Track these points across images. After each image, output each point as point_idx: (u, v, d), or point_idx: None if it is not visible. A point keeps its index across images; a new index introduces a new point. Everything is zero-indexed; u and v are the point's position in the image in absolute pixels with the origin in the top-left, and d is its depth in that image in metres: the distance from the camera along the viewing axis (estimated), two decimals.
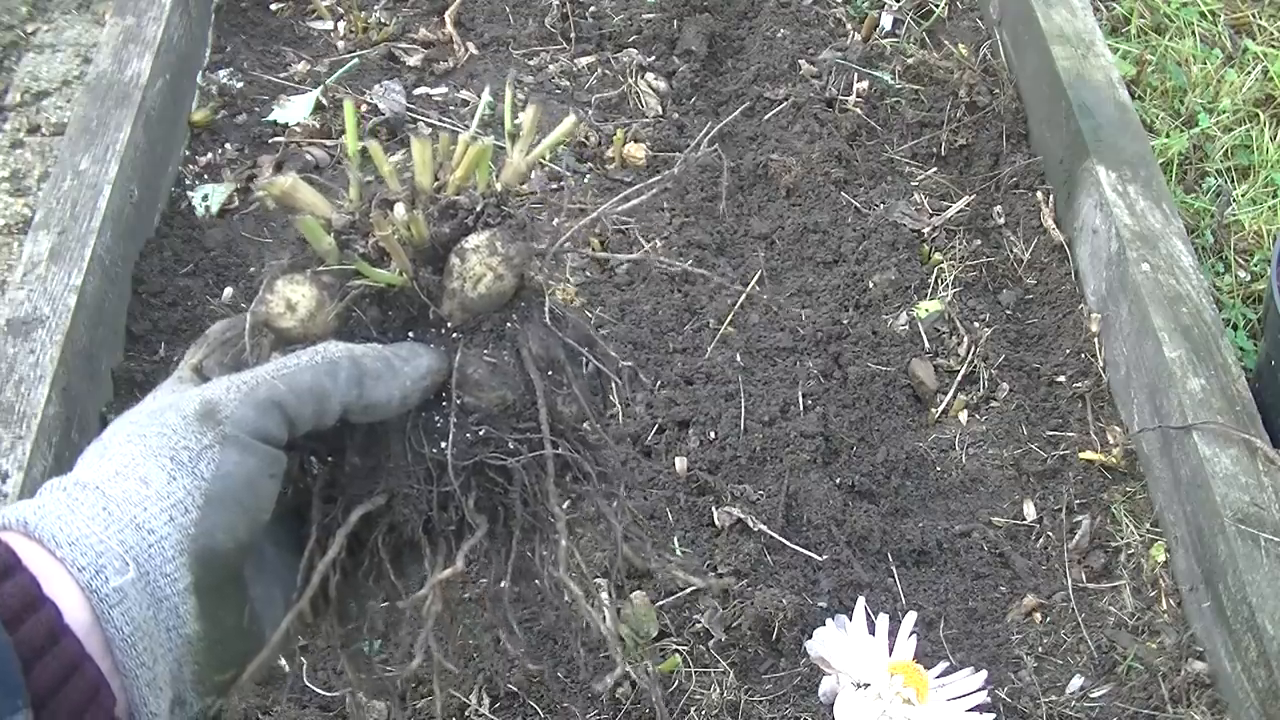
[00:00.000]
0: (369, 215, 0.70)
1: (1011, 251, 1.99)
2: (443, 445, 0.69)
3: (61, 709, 0.54)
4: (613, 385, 0.76)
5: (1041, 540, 1.64)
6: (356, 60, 2.23)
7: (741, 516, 1.59)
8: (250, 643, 0.64)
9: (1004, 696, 1.46)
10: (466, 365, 0.69)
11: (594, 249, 1.93)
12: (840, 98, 2.19)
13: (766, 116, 2.16)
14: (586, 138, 2.11)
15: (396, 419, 0.68)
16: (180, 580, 0.59)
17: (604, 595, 1.49)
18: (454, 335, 0.70)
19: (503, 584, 0.74)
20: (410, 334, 0.70)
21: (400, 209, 0.69)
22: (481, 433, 0.69)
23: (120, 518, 0.59)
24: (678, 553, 1.56)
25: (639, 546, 0.78)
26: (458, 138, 0.72)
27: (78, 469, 0.62)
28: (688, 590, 1.52)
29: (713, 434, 1.69)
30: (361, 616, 0.73)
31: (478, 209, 0.71)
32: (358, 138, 0.73)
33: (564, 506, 0.73)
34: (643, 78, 2.25)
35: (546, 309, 0.72)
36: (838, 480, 1.65)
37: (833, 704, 1.33)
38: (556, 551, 0.73)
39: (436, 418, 0.69)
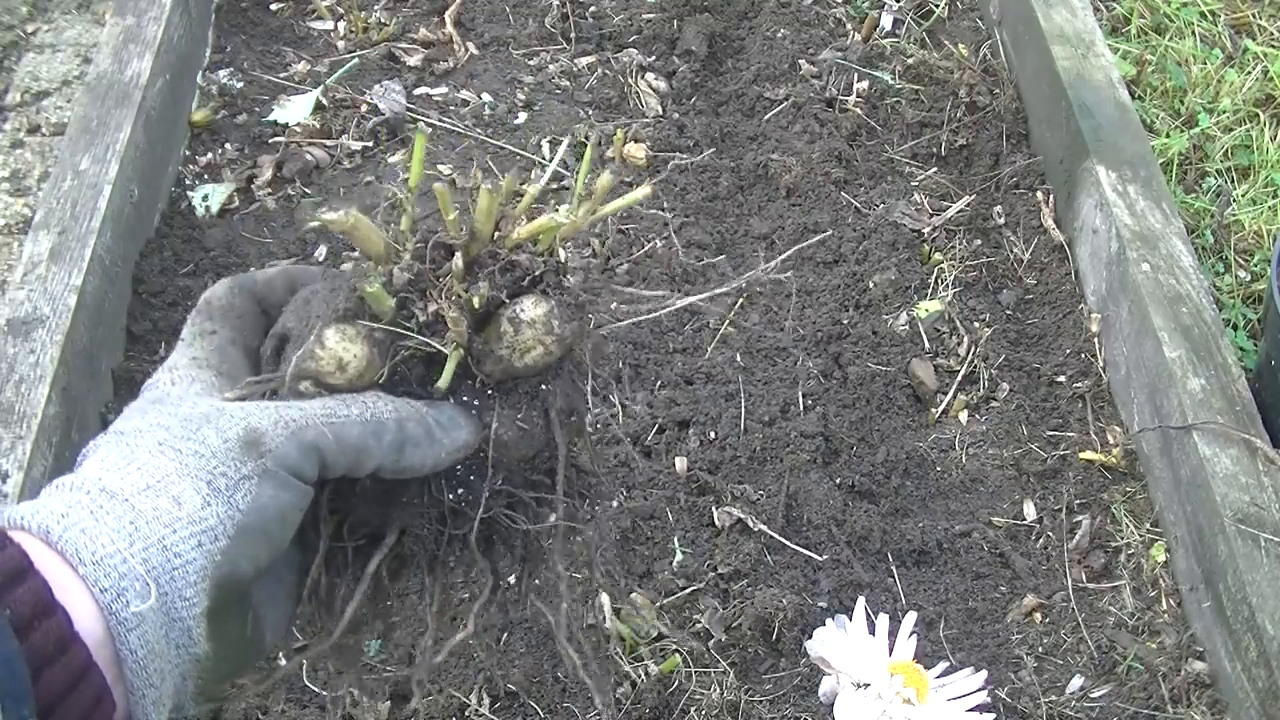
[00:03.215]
0: (424, 260, 0.69)
1: (1011, 251, 1.99)
2: (460, 492, 0.70)
3: (66, 716, 0.54)
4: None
5: (1041, 540, 1.64)
6: (356, 60, 2.23)
7: (741, 516, 1.59)
8: (252, 650, 0.64)
9: (1004, 696, 1.46)
10: (500, 428, 0.70)
11: (594, 250, 1.93)
12: (840, 98, 2.19)
13: (766, 116, 2.16)
14: (586, 138, 2.12)
15: None
16: (197, 605, 0.59)
17: (604, 595, 1.49)
18: (489, 392, 0.70)
19: (490, 611, 0.76)
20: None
21: (459, 261, 0.68)
22: (499, 485, 0.71)
23: (148, 536, 0.58)
24: (678, 554, 1.56)
25: (615, 580, 0.81)
26: (525, 186, 0.72)
27: (98, 469, 0.60)
28: (688, 590, 1.52)
29: (713, 434, 1.69)
30: (362, 628, 0.73)
31: (537, 273, 0.71)
32: (421, 171, 0.72)
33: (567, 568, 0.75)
34: (643, 78, 2.25)
35: (589, 385, 0.73)
36: (838, 480, 1.65)
37: (833, 704, 1.33)
38: (558, 615, 0.74)
39: (458, 467, 0.70)
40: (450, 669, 1.45)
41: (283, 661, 1.33)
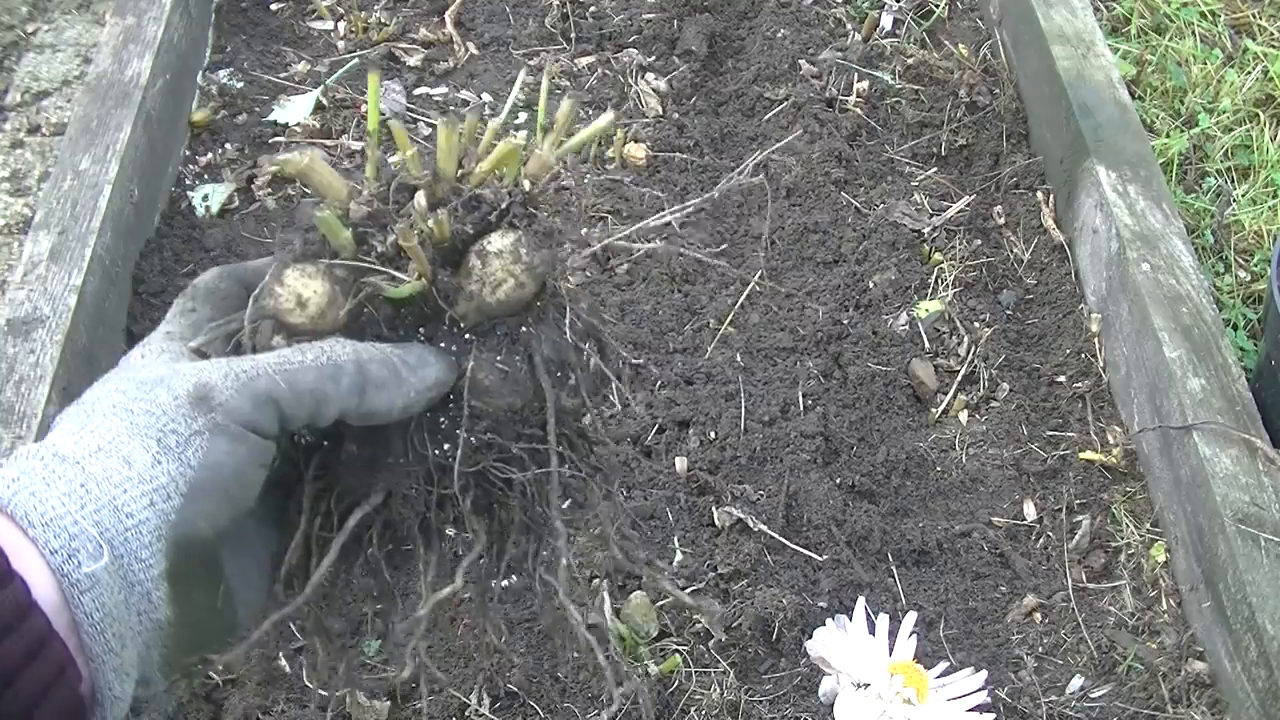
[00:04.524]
0: (387, 202, 0.67)
1: (1011, 251, 1.99)
2: (445, 447, 0.67)
3: (27, 687, 0.53)
4: (613, 382, 0.75)
5: (1041, 540, 1.64)
6: (356, 60, 2.23)
7: (741, 516, 1.59)
8: (222, 622, 0.63)
9: (1004, 696, 1.46)
10: (478, 371, 0.67)
11: (594, 251, 1.93)
12: (840, 98, 2.19)
13: (766, 116, 2.16)
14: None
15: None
16: (155, 566, 0.58)
17: (604, 595, 1.49)
18: (466, 336, 0.68)
19: (493, 584, 0.73)
20: (421, 330, 0.68)
21: (421, 199, 0.66)
22: (486, 437, 0.68)
23: (99, 497, 0.57)
24: (678, 554, 1.56)
25: (631, 551, 0.77)
26: (487, 122, 0.70)
27: (56, 435, 0.60)
28: (688, 590, 1.52)
29: (713, 434, 1.69)
30: (348, 607, 0.72)
31: (503, 206, 0.68)
32: (378, 114, 0.70)
33: (564, 519, 0.71)
34: (643, 78, 2.25)
35: (568, 321, 0.69)
36: (838, 480, 1.65)
37: (833, 704, 1.33)
38: (557, 571, 0.71)
39: (441, 419, 0.67)
40: (450, 669, 1.45)
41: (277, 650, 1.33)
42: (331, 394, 0.62)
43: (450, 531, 0.71)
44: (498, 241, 0.67)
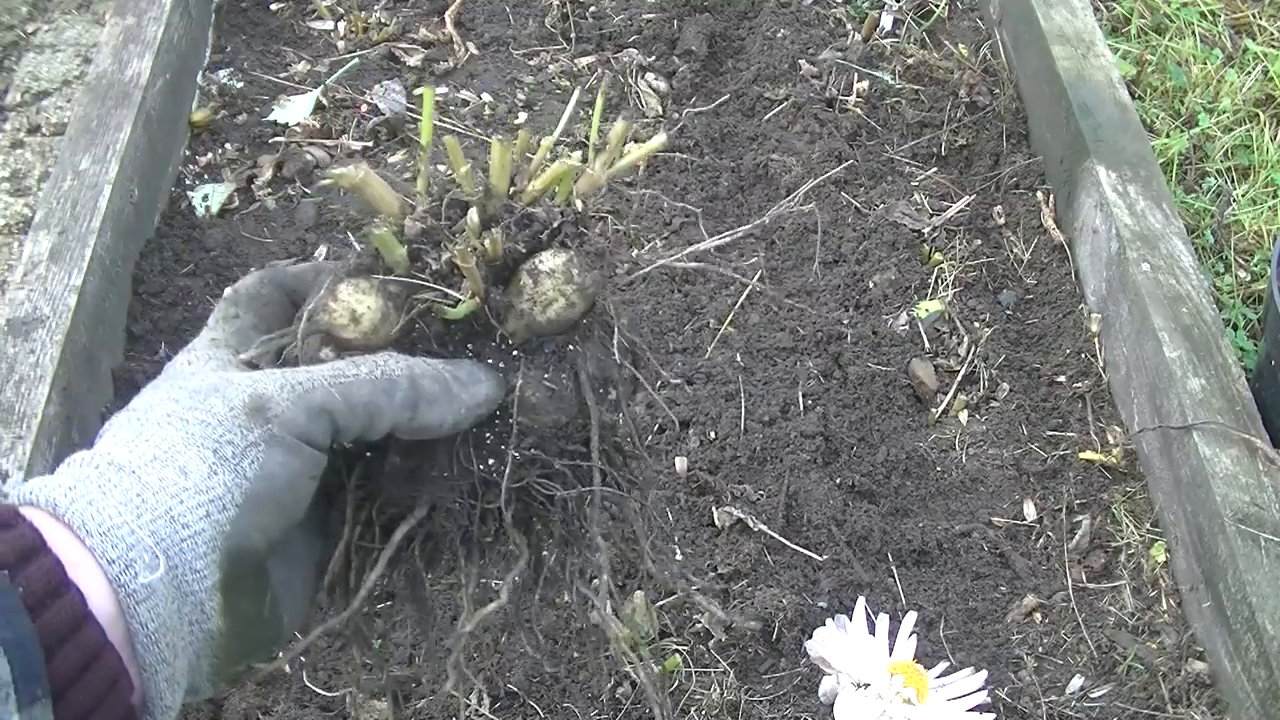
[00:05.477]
0: (439, 218, 0.67)
1: (1011, 251, 1.99)
2: (490, 462, 0.67)
3: (80, 698, 0.53)
4: (648, 393, 0.75)
5: (1041, 540, 1.65)
6: (356, 60, 2.24)
7: (741, 516, 1.59)
8: (269, 631, 0.63)
9: (1004, 696, 1.47)
10: (526, 388, 0.67)
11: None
12: (840, 98, 2.19)
13: (766, 116, 2.16)
14: (586, 137, 2.12)
15: None
16: (209, 577, 0.58)
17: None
18: (515, 353, 0.68)
19: (533, 594, 0.74)
20: (469, 346, 0.68)
21: (474, 216, 0.66)
22: (531, 453, 0.68)
23: (155, 507, 0.57)
24: (678, 555, 1.56)
25: (667, 563, 0.78)
26: (540, 140, 0.70)
27: (109, 443, 0.60)
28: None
29: (713, 434, 1.69)
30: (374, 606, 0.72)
31: (555, 225, 0.69)
32: (432, 128, 0.69)
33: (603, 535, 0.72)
34: (643, 78, 2.25)
35: (615, 341, 0.70)
36: (838, 480, 1.65)
37: (833, 704, 1.33)
38: (599, 587, 0.72)
39: (487, 434, 0.68)
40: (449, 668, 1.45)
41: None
42: (385, 408, 0.62)
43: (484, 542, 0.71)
44: (550, 261, 0.67)
